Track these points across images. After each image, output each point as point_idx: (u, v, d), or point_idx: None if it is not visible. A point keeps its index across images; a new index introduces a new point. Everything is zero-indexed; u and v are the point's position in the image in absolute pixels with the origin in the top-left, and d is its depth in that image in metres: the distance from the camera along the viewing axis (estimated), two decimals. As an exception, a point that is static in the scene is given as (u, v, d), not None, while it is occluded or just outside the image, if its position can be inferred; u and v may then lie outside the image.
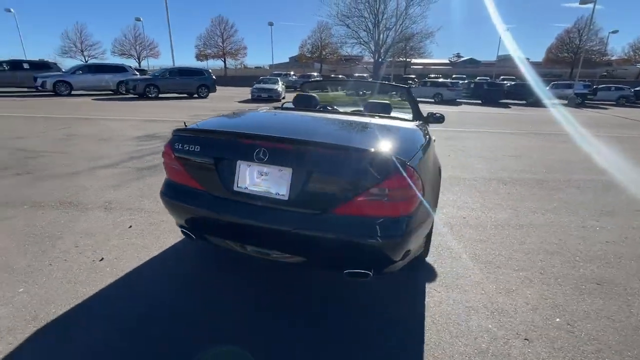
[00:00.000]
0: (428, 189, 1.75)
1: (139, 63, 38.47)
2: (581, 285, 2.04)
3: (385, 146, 1.53)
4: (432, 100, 20.45)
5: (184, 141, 1.70)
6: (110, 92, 16.17)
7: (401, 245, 1.50)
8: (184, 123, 1.96)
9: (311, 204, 1.49)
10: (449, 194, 3.68)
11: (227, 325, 1.61)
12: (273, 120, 2.17)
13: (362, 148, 1.43)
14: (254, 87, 16.76)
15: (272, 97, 16.15)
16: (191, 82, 16.22)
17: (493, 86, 21.73)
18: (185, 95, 16.57)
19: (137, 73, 17.30)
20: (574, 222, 3.03)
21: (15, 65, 15.25)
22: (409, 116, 3.54)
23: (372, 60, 19.91)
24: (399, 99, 4.03)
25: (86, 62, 34.26)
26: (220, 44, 39.80)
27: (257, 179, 1.56)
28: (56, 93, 14.28)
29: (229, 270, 2.09)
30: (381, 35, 18.78)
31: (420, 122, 3.18)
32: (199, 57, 41.42)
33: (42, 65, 16.01)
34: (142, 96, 14.79)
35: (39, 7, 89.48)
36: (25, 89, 15.57)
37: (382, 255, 1.50)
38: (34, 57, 21.53)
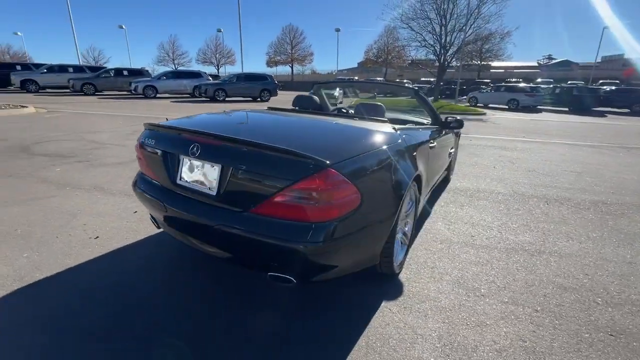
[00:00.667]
0: (378, 197, 1.60)
1: (218, 70, 42.75)
2: (584, 333, 1.63)
3: (310, 147, 1.44)
4: (506, 107, 18.44)
5: (147, 135, 1.84)
6: (188, 95, 18.23)
7: (321, 253, 1.39)
8: (166, 119, 2.12)
9: (235, 202, 1.48)
10: (469, 208, 3.28)
11: (168, 303, 1.69)
12: (232, 119, 2.18)
13: (281, 147, 1.37)
14: (311, 91, 17.19)
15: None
16: (255, 87, 17.39)
17: (584, 91, 18.66)
18: (250, 98, 17.85)
19: (210, 78, 19.17)
20: (620, 255, 2.43)
21: (118, 72, 18.23)
22: (428, 120, 3.27)
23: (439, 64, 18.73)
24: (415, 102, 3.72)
25: (175, 69, 39.29)
26: (289, 50, 41.98)
27: (194, 174, 1.60)
28: (145, 96, 16.65)
29: (200, 268, 2.18)
30: (448, 37, 17.57)
31: (433, 125, 2.94)
32: (269, 63, 44.28)
33: (137, 72, 18.84)
34: (212, 99, 16.37)
35: (144, 22, 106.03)
36: (124, 92, 18.47)
37: (301, 261, 1.41)
38: (137, 66, 25.41)
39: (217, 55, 42.71)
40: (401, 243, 2.13)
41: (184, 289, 1.88)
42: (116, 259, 2.14)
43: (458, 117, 3.29)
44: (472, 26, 17.55)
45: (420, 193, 2.26)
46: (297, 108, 2.91)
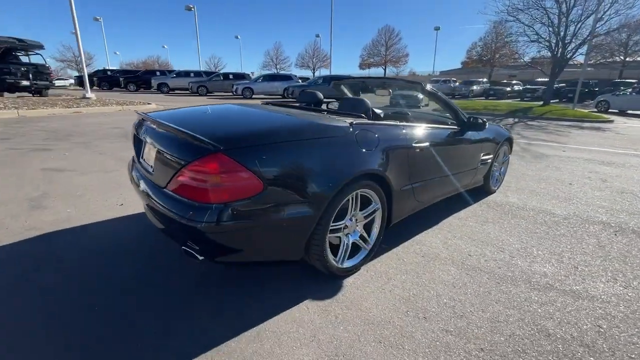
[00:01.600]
0: (290, 190, 1.55)
1: (313, 73, 45.15)
2: (527, 391, 1.25)
3: (216, 132, 1.51)
4: (650, 114, 14.34)
5: (135, 122, 2.19)
6: (279, 96, 19.87)
7: (216, 233, 1.44)
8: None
9: (158, 178, 1.66)
10: (492, 225, 2.77)
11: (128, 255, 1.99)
12: (194, 109, 2.31)
13: (181, 129, 1.48)
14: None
15: (408, 103, 15.71)
16: (338, 88, 17.83)
17: None
18: (334, 99, 18.39)
19: (300, 81, 20.46)
20: (681, 314, 1.73)
21: (225, 76, 21.15)
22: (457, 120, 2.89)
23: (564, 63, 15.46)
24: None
25: (270, 73, 43.35)
26: (384, 52, 41.38)
27: (146, 152, 1.85)
28: (243, 96, 18.89)
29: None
30: (569, 28, 14.53)
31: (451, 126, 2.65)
32: (361, 65, 44.60)
33: (240, 76, 21.47)
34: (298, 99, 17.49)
35: (256, 31, 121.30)
36: (229, 93, 21.29)
37: (200, 239, 1.49)
38: (247, 71, 29.01)
39: (314, 59, 45.29)
40: (354, 246, 1.99)
41: (137, 252, 2.17)
42: (121, 222, 2.60)
43: (485, 119, 2.84)
44: (607, 13, 14.16)
45: (391, 196, 2.06)
46: (301, 103, 2.96)
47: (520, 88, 26.28)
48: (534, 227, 2.79)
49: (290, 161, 1.57)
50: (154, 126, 1.73)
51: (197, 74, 22.55)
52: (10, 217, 2.60)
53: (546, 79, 21.64)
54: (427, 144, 2.32)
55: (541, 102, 17.48)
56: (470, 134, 2.89)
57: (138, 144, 1.99)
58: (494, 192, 3.64)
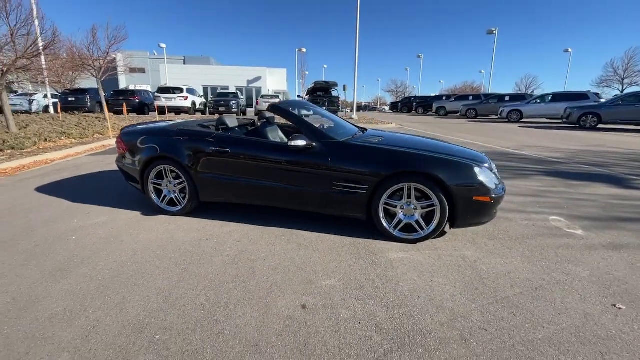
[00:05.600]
0: (131, 154, 3.37)
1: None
2: None
3: (129, 127, 3.61)
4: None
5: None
6: (559, 120, 15.66)
7: (120, 166, 3.60)
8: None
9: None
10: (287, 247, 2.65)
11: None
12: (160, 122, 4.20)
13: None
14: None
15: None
16: (659, 110, 11.37)
17: None
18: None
19: (601, 100, 14.77)
20: None
21: (500, 98, 19.48)
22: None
23: None
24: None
25: (622, 91, 31.02)
26: None
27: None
28: (508, 120, 16.86)
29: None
30: None
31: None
32: None
33: (519, 97, 18.91)
34: (579, 126, 13.17)
35: (592, 41, 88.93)
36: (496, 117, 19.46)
37: (120, 170, 3.68)
38: (573, 89, 24.30)
39: None
40: (171, 200, 3.32)
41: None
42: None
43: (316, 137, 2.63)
44: None
45: (191, 177, 3.14)
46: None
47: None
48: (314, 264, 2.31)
49: (136, 142, 3.37)
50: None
51: (476, 97, 22.35)
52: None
53: None
54: (227, 150, 2.98)
55: None
56: (313, 154, 2.77)
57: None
58: (396, 238, 2.68)
